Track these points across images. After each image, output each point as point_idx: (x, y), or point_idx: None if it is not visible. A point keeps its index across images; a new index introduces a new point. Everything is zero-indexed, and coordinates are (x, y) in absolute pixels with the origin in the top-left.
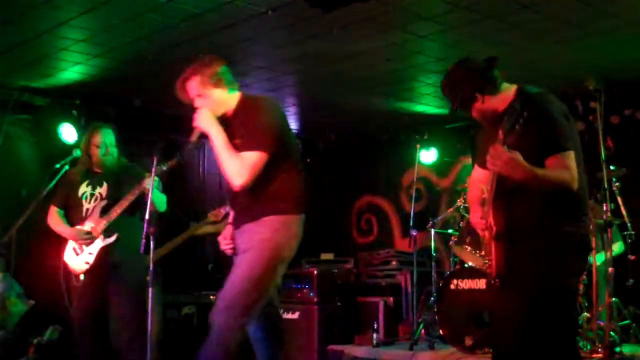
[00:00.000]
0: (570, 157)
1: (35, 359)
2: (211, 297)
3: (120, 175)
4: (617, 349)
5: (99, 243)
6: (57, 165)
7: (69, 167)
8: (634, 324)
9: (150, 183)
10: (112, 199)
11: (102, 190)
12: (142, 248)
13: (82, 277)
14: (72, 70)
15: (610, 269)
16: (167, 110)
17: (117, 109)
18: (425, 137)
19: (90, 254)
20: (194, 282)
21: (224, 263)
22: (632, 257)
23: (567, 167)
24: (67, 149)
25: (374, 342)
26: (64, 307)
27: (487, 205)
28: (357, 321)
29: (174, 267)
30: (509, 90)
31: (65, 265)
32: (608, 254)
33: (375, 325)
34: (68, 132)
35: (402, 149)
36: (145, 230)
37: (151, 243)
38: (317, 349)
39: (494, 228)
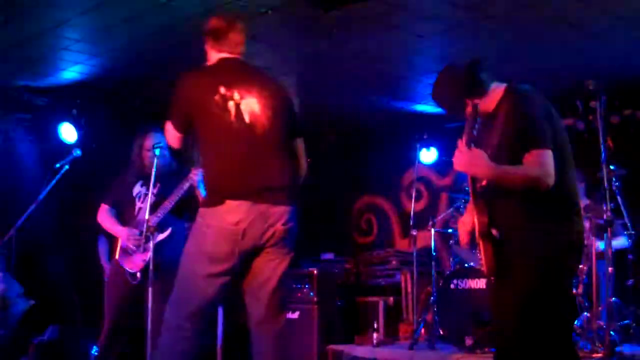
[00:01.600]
0: (546, 155)
1: (35, 358)
2: None
3: (172, 177)
4: (617, 349)
5: (153, 240)
6: (57, 165)
7: (68, 167)
8: (634, 324)
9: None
10: (162, 197)
11: (156, 189)
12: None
13: (138, 275)
14: (72, 70)
15: (610, 269)
16: (167, 109)
17: (117, 108)
18: (425, 137)
19: (145, 251)
20: None
21: None
22: (632, 257)
23: (540, 164)
24: (67, 148)
25: (374, 342)
26: (65, 307)
27: (470, 204)
28: (357, 321)
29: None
30: (498, 89)
31: (117, 265)
32: (608, 253)
33: (375, 325)
34: (68, 132)
35: (402, 149)
36: (144, 229)
37: (150, 242)
38: (317, 349)
39: (477, 228)
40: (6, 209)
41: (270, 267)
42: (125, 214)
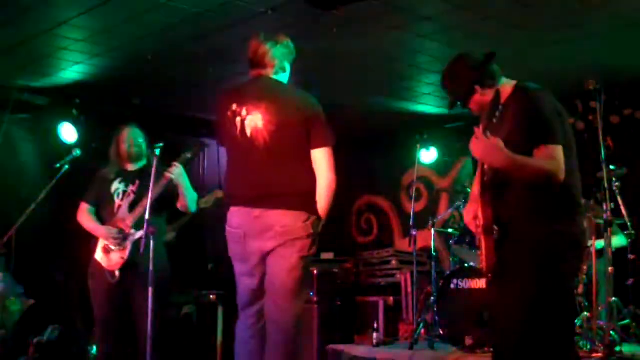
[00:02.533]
0: (557, 150)
1: (35, 358)
2: (211, 296)
3: (150, 173)
4: (617, 349)
5: (132, 237)
6: (57, 165)
7: (68, 167)
8: (634, 324)
9: (174, 173)
10: (141, 195)
11: (135, 187)
12: (141, 248)
13: (117, 273)
14: (72, 70)
15: (610, 269)
16: (166, 109)
17: (117, 108)
18: (425, 137)
19: (124, 249)
20: (194, 282)
21: (224, 263)
22: (632, 257)
23: (552, 158)
24: (67, 148)
25: (374, 342)
26: (65, 307)
27: (476, 199)
28: (357, 321)
29: (173, 267)
30: (507, 85)
31: (97, 264)
32: (608, 253)
33: (375, 325)
34: (68, 132)
35: (402, 149)
36: (145, 230)
37: (151, 243)
38: (317, 349)
39: (482, 222)
40: (6, 209)
41: (277, 266)
42: (104, 211)
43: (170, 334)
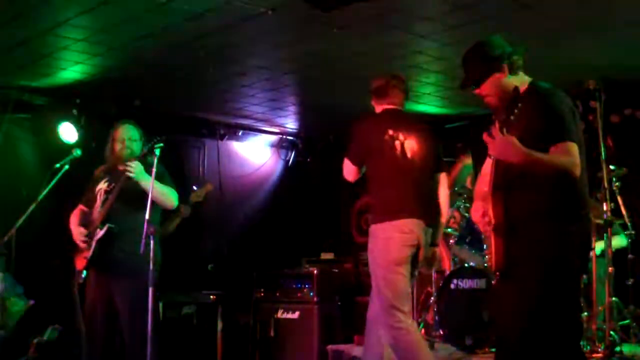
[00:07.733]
0: (573, 147)
1: (35, 358)
2: (211, 296)
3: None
4: (617, 349)
5: (96, 237)
6: (57, 165)
7: (68, 167)
8: (634, 324)
9: (152, 175)
10: (110, 193)
11: (107, 187)
12: (142, 248)
13: (83, 274)
14: (72, 70)
15: (610, 269)
16: (166, 109)
17: (117, 108)
18: None
19: (89, 249)
20: (193, 282)
21: (224, 263)
22: (632, 257)
23: (568, 154)
24: (67, 148)
25: None
26: (64, 307)
27: (487, 197)
28: (357, 321)
29: (173, 267)
30: (524, 80)
31: (74, 265)
32: (608, 253)
33: None
34: (68, 132)
35: None
36: (145, 230)
37: (151, 243)
38: (317, 349)
39: (493, 220)
40: (6, 209)
41: None
42: (91, 212)
43: (170, 333)
